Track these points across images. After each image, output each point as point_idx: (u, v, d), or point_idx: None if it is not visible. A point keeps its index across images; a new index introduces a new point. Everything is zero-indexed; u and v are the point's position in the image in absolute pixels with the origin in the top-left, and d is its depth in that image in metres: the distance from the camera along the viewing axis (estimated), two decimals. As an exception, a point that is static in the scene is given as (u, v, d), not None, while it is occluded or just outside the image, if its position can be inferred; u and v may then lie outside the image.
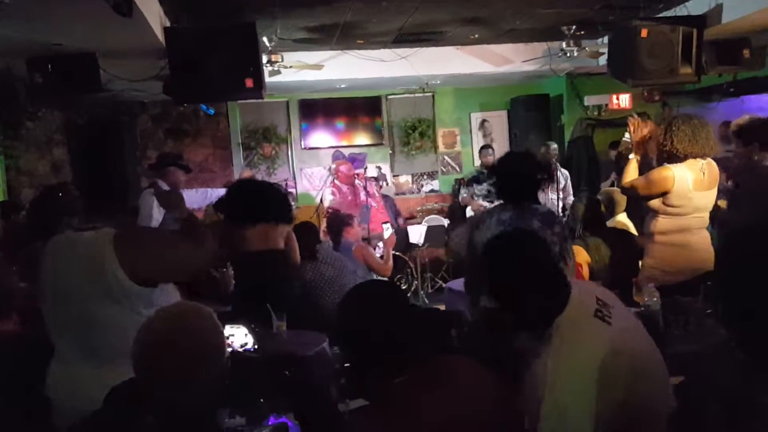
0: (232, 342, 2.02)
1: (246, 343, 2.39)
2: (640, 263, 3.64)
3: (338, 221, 4.93)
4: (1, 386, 2.49)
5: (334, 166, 7.21)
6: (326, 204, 6.86)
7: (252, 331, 2.47)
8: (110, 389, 1.52)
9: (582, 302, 1.84)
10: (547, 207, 3.26)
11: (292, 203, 6.83)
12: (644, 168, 3.61)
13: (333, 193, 6.95)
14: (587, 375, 1.70)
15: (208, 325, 1.48)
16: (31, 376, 2.31)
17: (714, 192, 3.50)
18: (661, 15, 5.53)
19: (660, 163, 3.52)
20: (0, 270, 3.30)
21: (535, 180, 3.07)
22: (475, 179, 7.06)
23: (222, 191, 5.29)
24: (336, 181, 7.12)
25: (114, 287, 2.07)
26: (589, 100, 8.09)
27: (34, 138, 5.81)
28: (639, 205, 3.76)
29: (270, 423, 2.25)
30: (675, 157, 3.42)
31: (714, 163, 3.49)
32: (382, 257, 5.07)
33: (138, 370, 1.43)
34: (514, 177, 3.06)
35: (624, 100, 7.82)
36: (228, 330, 2.23)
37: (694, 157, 3.39)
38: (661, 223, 3.48)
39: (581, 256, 3.66)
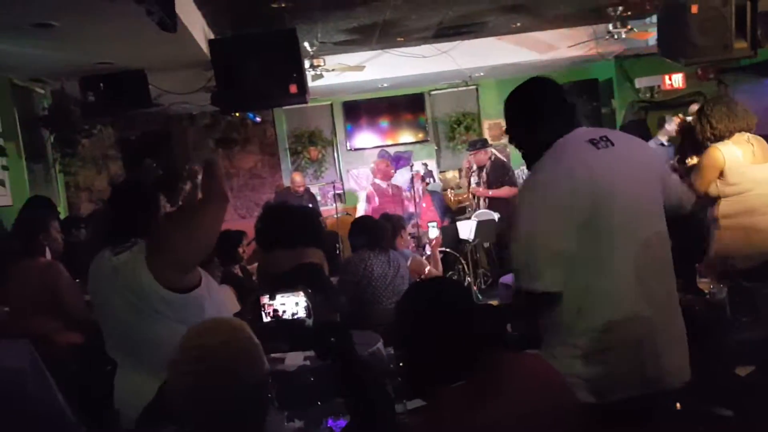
0: (283, 312, 1.99)
1: (296, 312, 2.35)
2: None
3: (395, 224, 4.55)
4: (70, 397, 2.57)
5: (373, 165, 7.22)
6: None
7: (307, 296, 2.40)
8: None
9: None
10: None
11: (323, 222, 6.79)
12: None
13: (368, 199, 6.91)
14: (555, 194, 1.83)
15: (240, 337, 1.47)
16: (98, 386, 2.37)
17: None
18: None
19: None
20: (66, 284, 3.42)
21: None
22: None
23: None
24: (375, 180, 7.11)
25: (158, 302, 2.08)
26: (640, 82, 7.83)
27: (90, 154, 6.04)
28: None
29: (329, 425, 2.25)
30: (718, 138, 3.38)
31: (761, 138, 3.41)
32: (429, 257, 5.00)
33: (173, 389, 1.43)
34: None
35: (677, 80, 7.55)
36: (279, 299, 2.22)
37: (739, 131, 3.35)
38: (723, 206, 3.40)
39: None
